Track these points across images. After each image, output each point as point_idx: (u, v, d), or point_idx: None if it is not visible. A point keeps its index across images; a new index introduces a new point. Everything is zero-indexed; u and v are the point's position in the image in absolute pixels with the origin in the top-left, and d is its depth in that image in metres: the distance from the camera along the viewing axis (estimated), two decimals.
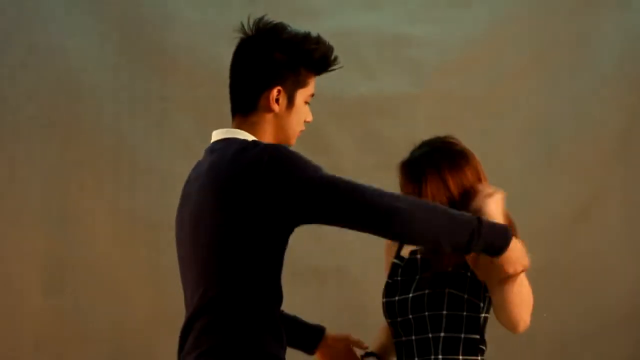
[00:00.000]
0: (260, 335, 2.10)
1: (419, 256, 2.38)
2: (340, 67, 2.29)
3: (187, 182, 2.24)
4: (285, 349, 2.18)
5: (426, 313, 2.31)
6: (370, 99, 4.10)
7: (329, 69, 2.27)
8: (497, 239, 2.18)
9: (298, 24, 4.17)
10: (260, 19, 2.26)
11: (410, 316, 2.32)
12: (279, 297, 2.22)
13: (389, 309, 2.37)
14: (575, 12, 4.13)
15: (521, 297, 2.42)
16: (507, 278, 2.31)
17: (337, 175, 2.14)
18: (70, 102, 4.04)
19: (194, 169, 2.25)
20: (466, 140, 4.06)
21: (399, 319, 2.34)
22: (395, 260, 2.43)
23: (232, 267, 2.10)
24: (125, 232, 3.87)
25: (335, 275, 4.06)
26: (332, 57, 2.25)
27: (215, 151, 2.18)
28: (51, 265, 3.98)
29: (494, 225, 2.17)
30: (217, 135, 2.22)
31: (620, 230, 4.07)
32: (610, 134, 4.09)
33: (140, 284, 3.85)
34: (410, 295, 2.33)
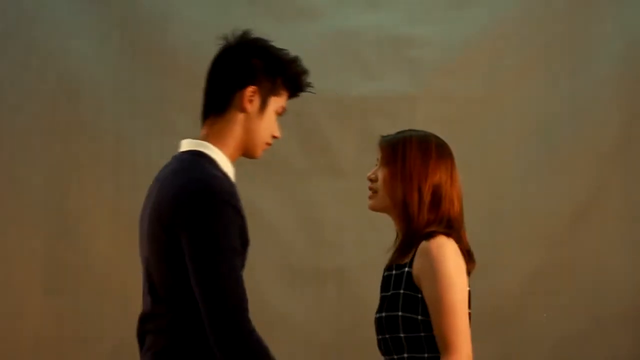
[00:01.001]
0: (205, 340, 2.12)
1: (385, 273, 2.38)
2: (313, 92, 2.37)
3: (155, 180, 2.28)
4: None
5: (387, 335, 2.31)
6: (370, 99, 4.10)
7: (301, 89, 2.34)
8: None
9: (298, 24, 4.21)
10: (245, 32, 2.30)
11: (379, 336, 2.35)
12: None
13: (375, 326, 2.39)
14: (574, 12, 4.13)
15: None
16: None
17: (231, 264, 2.10)
18: (70, 102, 4.05)
19: (160, 172, 2.28)
20: (466, 140, 4.09)
21: (377, 337, 2.37)
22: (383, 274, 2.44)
23: (176, 275, 2.12)
24: (125, 232, 3.86)
25: (335, 275, 4.06)
26: (306, 78, 2.33)
27: (174, 163, 2.23)
28: (51, 265, 3.98)
29: None
30: (185, 145, 2.27)
31: (620, 230, 4.07)
32: (610, 134, 4.09)
33: (140, 284, 3.85)
34: (377, 315, 2.35)
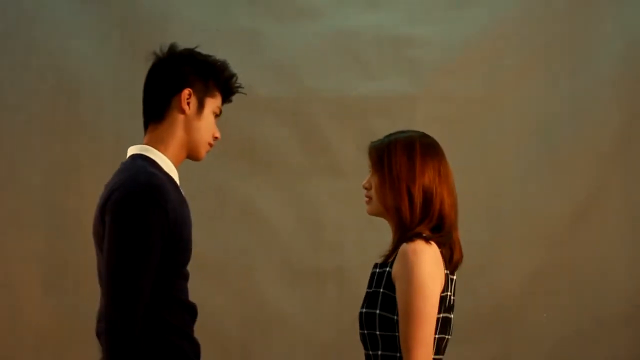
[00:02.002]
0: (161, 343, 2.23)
1: (371, 270, 2.39)
2: (244, 94, 2.48)
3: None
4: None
5: (365, 331, 2.33)
6: (370, 99, 4.10)
7: (233, 90, 2.45)
8: None
9: (298, 24, 4.21)
10: (173, 45, 2.46)
11: (359, 331, 2.37)
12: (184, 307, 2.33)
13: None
14: (574, 12, 4.13)
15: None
16: None
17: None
18: (70, 102, 4.04)
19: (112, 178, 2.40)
20: (466, 140, 4.09)
21: (359, 331, 2.38)
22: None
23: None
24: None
25: (335, 275, 4.06)
26: (235, 80, 2.45)
27: (119, 171, 2.38)
28: (51, 265, 3.98)
29: None
30: (130, 151, 2.45)
31: (620, 230, 4.07)
32: (610, 134, 4.09)
33: None
34: (364, 310, 2.36)
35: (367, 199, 2.42)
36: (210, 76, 2.41)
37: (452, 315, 2.34)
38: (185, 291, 2.35)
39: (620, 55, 4.10)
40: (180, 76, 2.40)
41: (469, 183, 3.95)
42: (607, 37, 4.11)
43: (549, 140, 4.10)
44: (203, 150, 2.43)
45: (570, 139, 4.09)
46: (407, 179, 2.32)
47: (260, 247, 4.03)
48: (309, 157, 4.12)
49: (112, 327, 2.14)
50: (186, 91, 2.38)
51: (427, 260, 2.24)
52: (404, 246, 2.26)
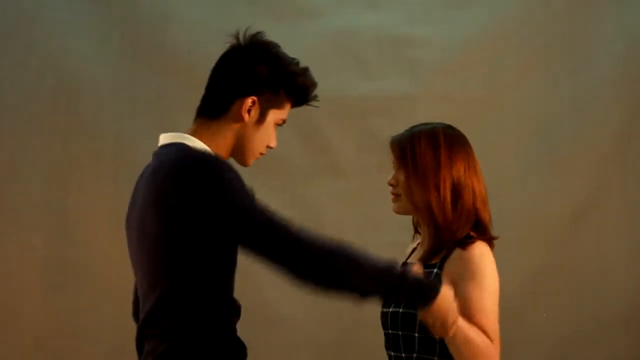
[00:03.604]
0: (213, 345, 2.08)
1: None
2: (316, 107, 2.29)
3: (137, 185, 2.23)
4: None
5: (400, 332, 2.27)
6: (370, 99, 4.10)
7: (306, 102, 2.27)
8: (420, 293, 2.08)
9: (298, 24, 4.21)
10: (257, 33, 2.22)
11: (390, 331, 2.31)
12: (232, 308, 2.15)
13: (381, 319, 2.35)
14: (574, 12, 4.13)
15: (477, 355, 2.26)
16: (452, 336, 2.17)
17: (270, 212, 2.10)
18: (70, 102, 4.05)
19: (143, 172, 2.23)
20: None
21: (384, 331, 2.33)
22: None
23: (177, 278, 2.05)
24: (125, 232, 3.87)
25: None
26: (313, 91, 2.26)
27: (159, 156, 2.15)
28: (51, 265, 3.98)
29: (419, 279, 2.08)
30: (164, 139, 2.19)
31: (620, 230, 4.07)
32: (610, 134, 4.09)
33: None
34: (391, 309, 2.30)
35: (393, 196, 2.33)
36: (284, 86, 2.19)
37: None
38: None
39: (620, 55, 4.10)
40: (249, 79, 2.15)
41: None
42: (607, 37, 4.11)
43: (549, 140, 4.10)
44: (251, 159, 2.26)
45: (570, 139, 4.09)
46: (433, 172, 2.25)
47: None
48: (309, 157, 4.12)
49: (292, 255, 2.01)
50: (249, 100, 2.14)
51: (491, 263, 2.28)
52: (465, 252, 2.22)
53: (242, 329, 2.16)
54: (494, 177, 4.14)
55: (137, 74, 4.07)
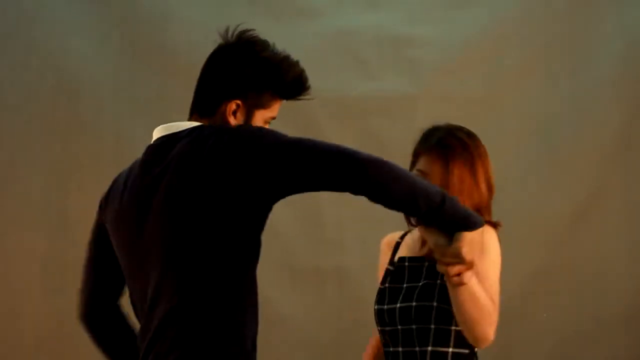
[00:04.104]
0: (240, 337, 2.05)
1: (407, 264, 2.37)
2: (310, 99, 2.27)
3: (131, 181, 2.17)
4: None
5: (414, 326, 2.27)
6: (370, 99, 4.09)
7: (298, 97, 2.26)
8: (464, 213, 2.09)
9: (298, 24, 4.21)
10: (245, 31, 2.20)
11: (399, 327, 2.30)
12: (255, 299, 2.14)
13: (379, 317, 2.35)
14: (575, 12, 4.13)
15: (481, 313, 2.23)
16: (461, 289, 2.17)
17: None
18: (70, 102, 4.04)
19: (132, 167, 2.21)
20: None
21: (387, 328, 2.32)
22: (389, 267, 2.42)
23: (210, 267, 2.00)
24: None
25: (335, 275, 4.06)
26: (305, 86, 2.24)
27: (186, 137, 2.10)
28: (51, 265, 3.98)
29: (459, 203, 2.09)
30: (161, 131, 2.17)
31: (620, 230, 4.07)
32: (610, 134, 4.09)
33: None
34: (398, 305, 2.30)
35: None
36: (271, 87, 2.17)
37: None
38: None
39: (620, 55, 4.10)
40: (235, 81, 2.14)
41: None
42: (607, 37, 4.11)
43: (549, 140, 4.10)
44: None
45: (570, 139, 4.09)
46: (484, 170, 2.38)
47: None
48: None
49: (352, 165, 2.01)
50: (233, 104, 2.13)
51: (495, 239, 2.38)
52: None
53: None
54: (494, 177, 4.16)
55: (137, 74, 4.07)
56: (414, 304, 2.27)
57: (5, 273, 3.97)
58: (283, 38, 4.46)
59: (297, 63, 2.23)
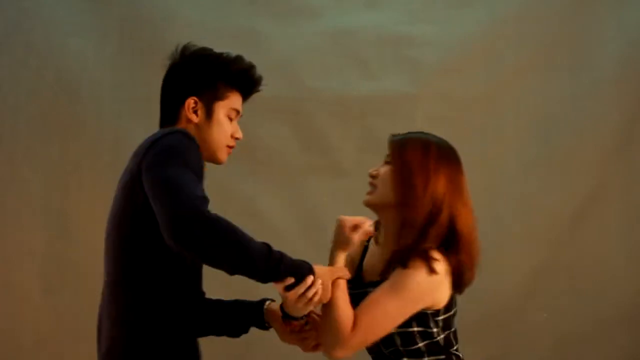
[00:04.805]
0: (162, 325, 2.16)
1: (366, 290, 2.32)
2: (260, 89, 2.38)
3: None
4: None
5: (385, 351, 2.29)
6: (370, 98, 4.10)
7: (251, 86, 2.36)
8: (298, 267, 2.15)
9: (298, 24, 4.20)
10: (186, 46, 2.37)
11: (374, 349, 2.32)
12: (182, 288, 2.23)
13: None
14: (575, 12, 4.13)
15: (329, 331, 2.24)
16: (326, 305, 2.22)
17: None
18: (70, 102, 4.04)
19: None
20: (466, 140, 4.07)
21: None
22: (356, 271, 2.42)
23: (121, 254, 2.19)
24: None
25: None
26: (253, 73, 2.34)
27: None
28: (51, 265, 3.98)
29: (292, 262, 2.15)
30: None
31: (620, 230, 4.07)
32: (610, 134, 4.09)
33: None
34: None
35: (370, 187, 2.34)
36: (219, 78, 2.31)
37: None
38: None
39: (620, 55, 4.10)
40: (185, 84, 2.31)
41: (469, 183, 3.95)
42: (607, 37, 4.11)
43: (549, 140, 4.10)
44: (221, 154, 2.35)
45: (570, 138, 4.09)
46: (419, 176, 2.25)
47: None
48: (309, 157, 4.12)
49: (178, 216, 1.98)
50: (190, 100, 2.29)
51: (421, 281, 2.18)
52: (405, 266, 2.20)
53: None
54: (494, 177, 4.16)
55: (136, 73, 4.07)
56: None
57: (4, 273, 3.97)
58: (283, 38, 4.48)
59: (242, 57, 2.35)
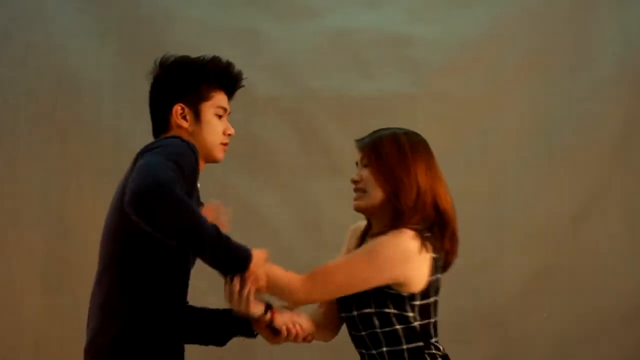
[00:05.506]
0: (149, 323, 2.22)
1: None
2: (243, 84, 2.42)
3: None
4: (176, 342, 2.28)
5: (363, 333, 2.34)
6: (370, 98, 4.10)
7: (232, 82, 2.40)
8: (232, 261, 2.16)
9: (298, 24, 4.21)
10: (163, 58, 2.42)
11: (355, 333, 2.39)
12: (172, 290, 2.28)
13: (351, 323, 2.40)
14: (575, 12, 4.13)
15: (282, 292, 2.37)
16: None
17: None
18: (70, 102, 4.05)
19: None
20: (466, 139, 4.09)
21: (353, 333, 2.39)
22: None
23: (119, 254, 2.25)
24: None
25: None
26: (231, 69, 2.39)
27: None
28: (51, 265, 3.98)
29: (236, 248, 2.16)
30: None
31: (620, 230, 4.07)
32: (610, 134, 4.09)
33: None
34: (355, 313, 2.35)
35: (358, 193, 2.42)
36: (201, 81, 2.36)
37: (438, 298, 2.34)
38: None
39: (620, 55, 4.10)
40: (169, 92, 2.37)
41: (469, 183, 3.95)
42: (607, 37, 4.11)
43: (549, 140, 4.10)
44: (216, 152, 2.40)
45: (570, 139, 4.09)
46: (399, 169, 2.31)
47: (259, 246, 4.01)
48: (309, 156, 4.11)
49: (144, 188, 2.01)
50: (177, 107, 2.35)
51: (398, 243, 2.23)
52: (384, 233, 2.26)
53: None
54: (494, 177, 4.16)
55: (136, 73, 4.05)
56: (355, 313, 2.34)
57: (4, 273, 3.97)
58: (283, 38, 4.48)
59: (219, 57, 2.40)
